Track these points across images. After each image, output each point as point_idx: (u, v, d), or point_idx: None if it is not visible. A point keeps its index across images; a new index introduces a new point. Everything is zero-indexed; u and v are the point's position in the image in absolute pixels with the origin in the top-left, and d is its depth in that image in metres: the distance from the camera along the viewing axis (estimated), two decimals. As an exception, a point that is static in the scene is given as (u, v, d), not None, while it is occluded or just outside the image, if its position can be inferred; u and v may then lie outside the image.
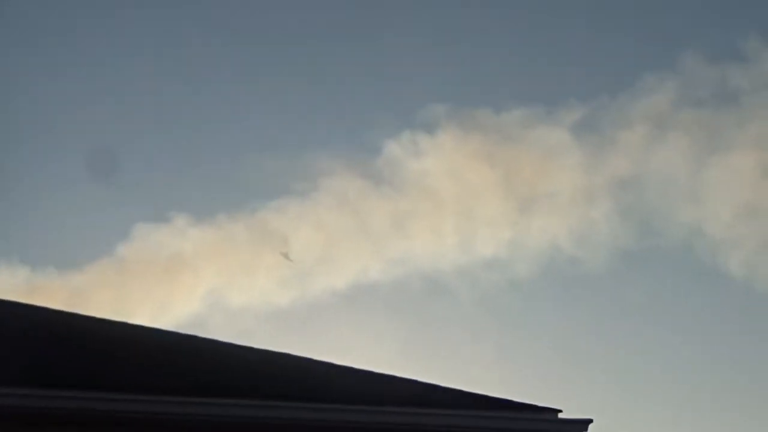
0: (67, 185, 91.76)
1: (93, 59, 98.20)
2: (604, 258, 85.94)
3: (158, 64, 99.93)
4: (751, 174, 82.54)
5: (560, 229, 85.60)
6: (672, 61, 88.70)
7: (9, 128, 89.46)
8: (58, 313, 34.40)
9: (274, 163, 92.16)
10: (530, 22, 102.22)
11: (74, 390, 23.83)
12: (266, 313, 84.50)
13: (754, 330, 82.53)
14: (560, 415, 28.48)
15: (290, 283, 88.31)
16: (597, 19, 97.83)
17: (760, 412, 77.90)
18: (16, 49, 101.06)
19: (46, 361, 26.68)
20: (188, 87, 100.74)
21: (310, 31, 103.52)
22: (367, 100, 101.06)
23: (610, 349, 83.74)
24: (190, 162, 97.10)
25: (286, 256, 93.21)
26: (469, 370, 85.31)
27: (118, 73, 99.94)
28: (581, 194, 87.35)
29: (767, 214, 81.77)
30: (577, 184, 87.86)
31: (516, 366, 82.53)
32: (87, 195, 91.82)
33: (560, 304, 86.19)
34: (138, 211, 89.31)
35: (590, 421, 29.16)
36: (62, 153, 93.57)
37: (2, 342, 27.78)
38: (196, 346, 31.68)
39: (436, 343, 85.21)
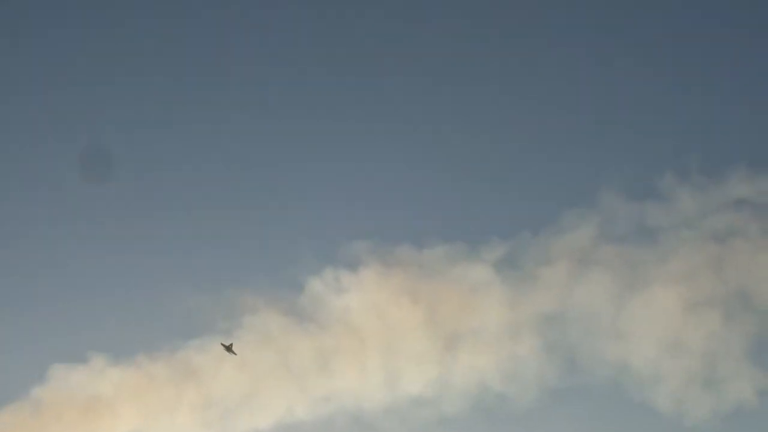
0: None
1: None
2: (531, 394, 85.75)
3: (74, 203, 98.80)
4: (673, 309, 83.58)
5: (487, 365, 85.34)
6: (592, 198, 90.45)
7: None
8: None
9: (196, 300, 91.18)
10: (450, 161, 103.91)
11: None
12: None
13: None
14: None
15: (213, 423, 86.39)
16: (517, 158, 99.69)
17: None
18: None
19: None
20: (107, 220, 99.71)
21: (230, 167, 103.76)
22: (290, 237, 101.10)
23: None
24: (107, 300, 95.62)
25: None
26: None
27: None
28: (506, 331, 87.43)
29: (691, 349, 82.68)
30: (501, 320, 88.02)
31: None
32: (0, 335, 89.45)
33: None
34: (54, 352, 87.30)
35: None
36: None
37: None
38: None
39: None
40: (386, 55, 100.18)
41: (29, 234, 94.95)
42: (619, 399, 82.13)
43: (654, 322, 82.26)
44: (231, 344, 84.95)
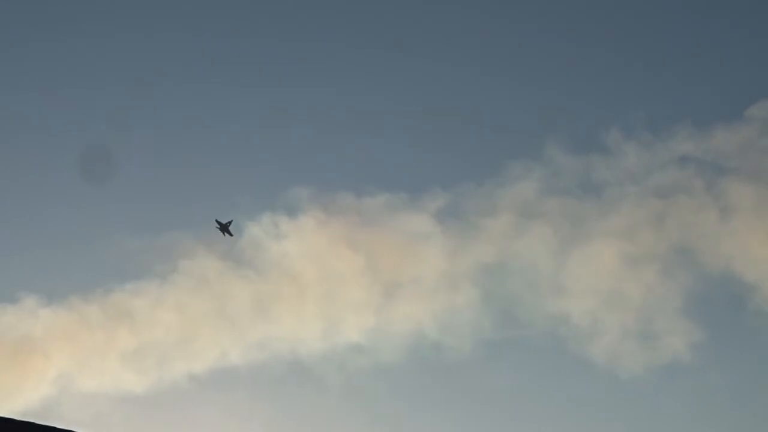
0: None
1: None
2: (468, 345, 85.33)
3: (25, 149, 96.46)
4: (613, 263, 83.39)
5: (425, 315, 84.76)
6: (537, 151, 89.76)
7: None
8: None
9: (132, 243, 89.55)
10: (395, 110, 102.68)
11: None
12: (121, 398, 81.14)
13: (619, 416, 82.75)
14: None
15: (147, 367, 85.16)
16: (462, 108, 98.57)
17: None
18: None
19: None
20: (48, 164, 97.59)
21: (172, 113, 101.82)
22: (229, 182, 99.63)
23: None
24: (40, 240, 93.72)
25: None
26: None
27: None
28: (446, 281, 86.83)
29: (629, 303, 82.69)
30: (441, 270, 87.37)
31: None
32: None
33: (425, 389, 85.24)
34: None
35: None
36: None
37: None
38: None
39: (300, 429, 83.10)
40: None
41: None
42: (557, 352, 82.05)
43: (593, 276, 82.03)
44: (229, 222, 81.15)
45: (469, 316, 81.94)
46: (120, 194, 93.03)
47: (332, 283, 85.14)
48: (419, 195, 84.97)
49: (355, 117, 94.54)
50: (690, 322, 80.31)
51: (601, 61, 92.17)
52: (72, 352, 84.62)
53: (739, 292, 79.91)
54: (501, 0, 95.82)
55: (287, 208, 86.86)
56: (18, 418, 34.69)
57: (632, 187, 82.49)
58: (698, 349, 79.37)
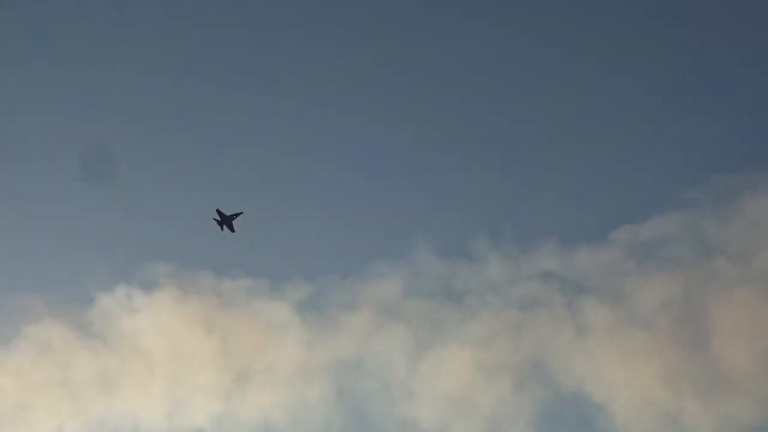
0: None
1: None
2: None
3: None
4: (468, 370, 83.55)
5: (275, 406, 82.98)
6: (404, 251, 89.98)
7: None
8: None
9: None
10: (263, 194, 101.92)
11: None
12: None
13: None
14: None
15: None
16: (333, 201, 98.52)
17: None
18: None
19: None
20: None
21: (35, 177, 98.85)
22: (84, 249, 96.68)
23: None
24: None
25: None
26: None
27: None
28: (300, 373, 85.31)
29: (479, 412, 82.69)
30: (296, 361, 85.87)
31: None
32: None
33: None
34: None
35: None
36: None
37: None
38: None
39: None
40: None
41: None
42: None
43: (447, 381, 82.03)
44: (235, 215, 74.64)
45: (320, 412, 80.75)
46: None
47: (183, 364, 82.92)
48: (281, 283, 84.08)
49: (220, 199, 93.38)
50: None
51: (475, 170, 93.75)
52: None
53: (587, 411, 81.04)
54: (375, 112, 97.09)
55: (144, 282, 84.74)
56: None
57: (493, 296, 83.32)
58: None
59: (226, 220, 78.44)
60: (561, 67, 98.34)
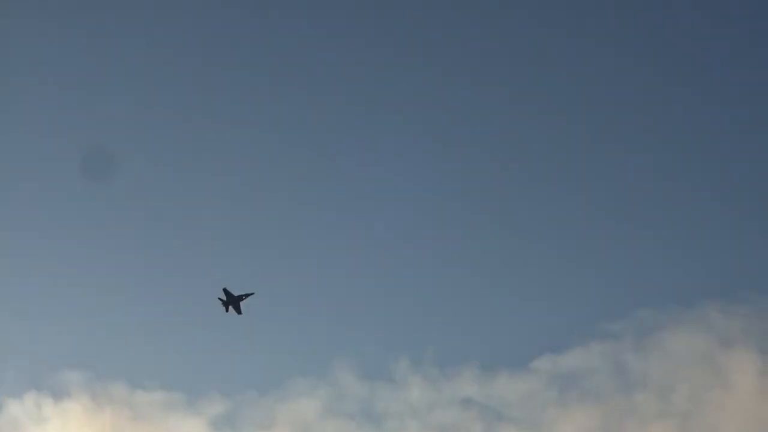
0: None
1: None
2: None
3: None
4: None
5: None
6: (325, 370, 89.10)
7: None
8: None
9: None
10: (176, 314, 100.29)
11: None
12: None
13: None
14: None
15: None
16: (251, 317, 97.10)
17: None
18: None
19: None
20: None
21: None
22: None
23: None
24: None
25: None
26: None
27: None
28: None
29: None
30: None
31: None
32: None
33: None
34: None
35: None
36: None
37: None
38: None
39: None
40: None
41: None
42: None
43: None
44: (243, 296, 67.67)
45: None
46: None
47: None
48: (197, 398, 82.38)
49: (143, 312, 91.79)
50: None
51: (398, 296, 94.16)
52: None
53: None
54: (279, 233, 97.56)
55: (54, 390, 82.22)
56: None
57: (413, 420, 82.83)
58: None
59: (233, 301, 73.42)
60: (485, 192, 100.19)
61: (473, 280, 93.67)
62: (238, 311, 75.26)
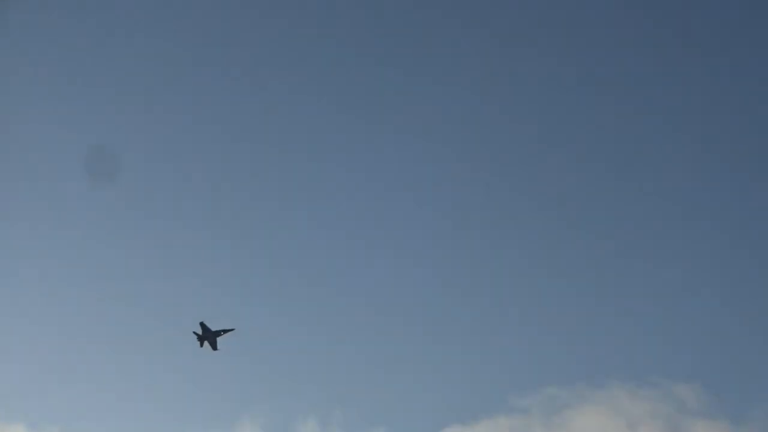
0: None
1: None
2: None
3: None
4: None
5: None
6: (230, 427, 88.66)
7: None
8: None
9: None
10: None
11: None
12: None
13: None
14: None
15: None
16: (153, 372, 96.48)
17: None
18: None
19: None
20: None
21: None
22: None
23: None
24: None
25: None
26: None
27: None
28: None
29: None
30: None
31: None
32: None
33: None
34: None
35: None
36: None
37: None
38: None
39: None
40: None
41: None
42: None
43: None
44: (222, 332, 69.68)
45: None
46: None
47: None
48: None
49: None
50: None
51: (309, 351, 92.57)
52: None
53: None
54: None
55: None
56: None
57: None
58: None
59: (209, 336, 72.96)
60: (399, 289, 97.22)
61: (386, 348, 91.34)
62: (214, 347, 73.64)
